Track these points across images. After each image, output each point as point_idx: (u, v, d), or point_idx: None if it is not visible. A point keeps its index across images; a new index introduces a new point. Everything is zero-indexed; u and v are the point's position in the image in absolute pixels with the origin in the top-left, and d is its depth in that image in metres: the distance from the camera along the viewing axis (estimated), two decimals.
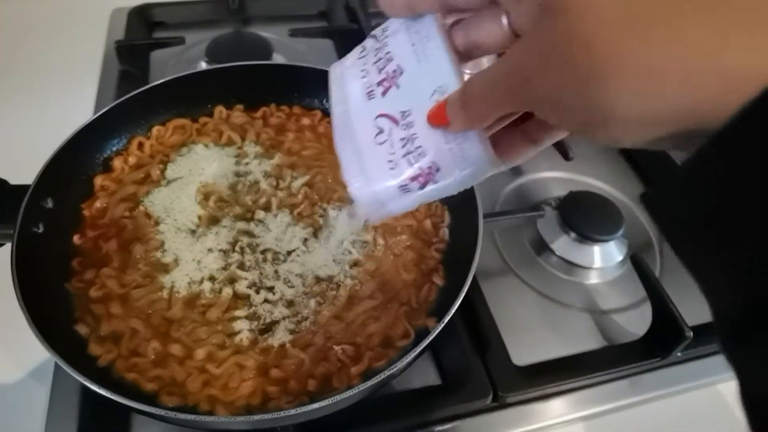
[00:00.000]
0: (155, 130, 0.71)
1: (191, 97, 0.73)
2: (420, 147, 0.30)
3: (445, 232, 0.63)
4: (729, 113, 0.19)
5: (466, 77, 0.29)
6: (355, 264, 0.59)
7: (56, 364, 0.56)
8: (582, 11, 0.22)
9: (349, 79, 0.34)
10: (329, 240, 0.60)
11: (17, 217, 0.53)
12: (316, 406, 0.43)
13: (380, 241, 0.61)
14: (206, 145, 0.70)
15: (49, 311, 0.50)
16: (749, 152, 0.19)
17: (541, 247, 0.73)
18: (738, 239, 0.20)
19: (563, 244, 0.71)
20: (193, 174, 0.66)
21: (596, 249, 0.71)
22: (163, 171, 0.67)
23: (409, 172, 0.30)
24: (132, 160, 0.68)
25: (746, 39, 0.19)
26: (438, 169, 0.30)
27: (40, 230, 0.56)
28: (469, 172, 0.30)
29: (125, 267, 0.57)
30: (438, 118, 0.29)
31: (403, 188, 0.31)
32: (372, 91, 0.32)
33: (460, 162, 0.29)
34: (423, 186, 0.30)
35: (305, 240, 0.60)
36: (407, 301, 0.57)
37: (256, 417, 0.43)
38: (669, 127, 0.21)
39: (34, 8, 1.08)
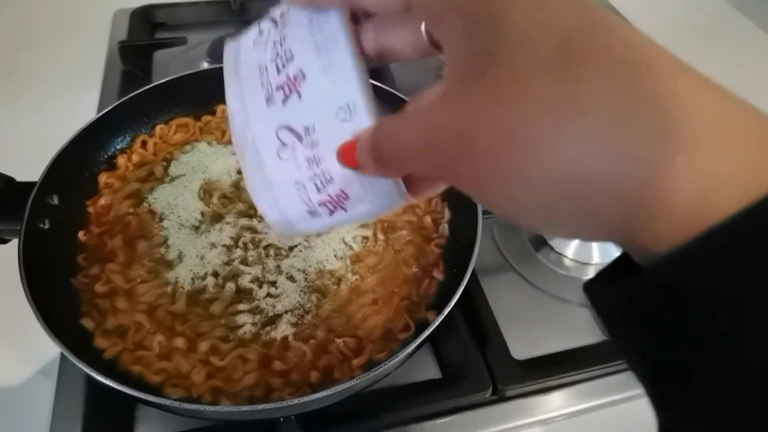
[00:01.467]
0: (158, 128, 0.72)
1: (194, 96, 0.73)
2: (327, 171, 0.27)
3: (445, 227, 0.64)
4: (659, 244, 0.18)
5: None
6: (356, 259, 0.60)
7: (62, 358, 0.57)
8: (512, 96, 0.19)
9: (245, 69, 0.30)
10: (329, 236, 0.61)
11: (24, 213, 0.54)
12: (317, 395, 0.43)
13: (381, 236, 0.62)
14: (209, 143, 0.71)
15: (56, 306, 0.51)
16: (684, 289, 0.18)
17: (540, 243, 0.73)
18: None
19: (562, 241, 0.72)
20: (196, 171, 0.67)
21: (594, 245, 0.72)
22: (166, 168, 0.68)
23: (317, 197, 0.28)
24: (136, 158, 0.69)
25: (691, 168, 0.17)
26: (347, 197, 0.27)
27: (46, 226, 0.57)
28: (378, 205, 0.28)
29: (130, 263, 0.58)
30: (347, 159, 0.26)
31: (312, 212, 0.29)
32: (271, 96, 0.28)
33: (370, 195, 0.27)
34: (332, 212, 0.28)
35: (306, 236, 0.61)
36: (408, 295, 0.58)
37: (259, 407, 0.44)
38: (602, 236, 0.20)
39: (38, 10, 1.09)
